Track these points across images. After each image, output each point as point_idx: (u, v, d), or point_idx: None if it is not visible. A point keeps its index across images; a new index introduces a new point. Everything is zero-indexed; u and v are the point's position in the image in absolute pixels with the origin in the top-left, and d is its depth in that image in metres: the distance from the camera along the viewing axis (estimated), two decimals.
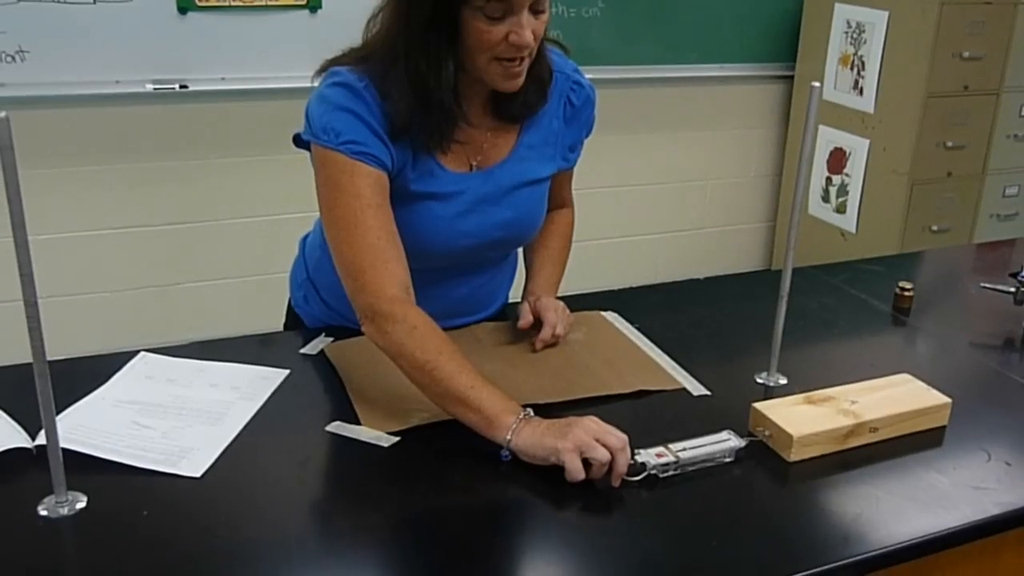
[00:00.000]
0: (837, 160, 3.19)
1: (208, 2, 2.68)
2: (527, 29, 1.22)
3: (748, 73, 3.34)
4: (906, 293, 1.66)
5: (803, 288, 1.74)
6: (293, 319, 1.59)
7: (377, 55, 1.27)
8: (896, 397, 1.29)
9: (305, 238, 1.59)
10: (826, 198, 3.25)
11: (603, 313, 1.57)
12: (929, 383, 1.32)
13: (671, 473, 1.14)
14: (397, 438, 1.21)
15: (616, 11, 3.06)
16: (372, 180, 1.27)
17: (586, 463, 1.10)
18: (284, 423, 1.25)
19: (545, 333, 1.42)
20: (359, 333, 1.46)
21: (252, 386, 1.32)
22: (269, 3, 2.73)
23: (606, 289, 1.69)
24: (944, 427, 1.28)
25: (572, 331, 1.48)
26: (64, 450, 1.13)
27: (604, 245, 3.45)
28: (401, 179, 1.33)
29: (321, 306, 1.52)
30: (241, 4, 2.71)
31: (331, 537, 1.05)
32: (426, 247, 1.38)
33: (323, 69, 1.31)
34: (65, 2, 2.56)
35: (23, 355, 1.36)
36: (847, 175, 3.17)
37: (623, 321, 1.55)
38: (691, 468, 1.15)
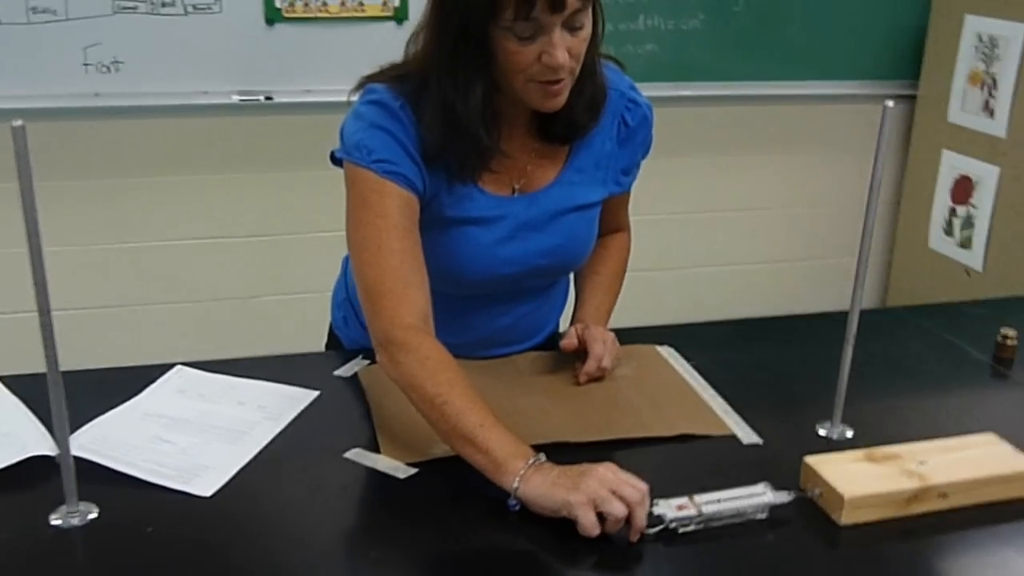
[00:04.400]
0: (963, 189, 3.06)
1: (295, 13, 2.77)
2: (559, 49, 1.20)
3: (865, 91, 3.23)
4: (1008, 342, 1.57)
5: (890, 331, 1.69)
6: (333, 340, 1.62)
7: (413, 75, 1.29)
8: (975, 459, 1.21)
9: (347, 257, 1.62)
10: (949, 231, 3.12)
11: (658, 348, 1.55)
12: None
13: (692, 528, 1.10)
14: (414, 470, 1.22)
15: (719, 23, 3.02)
16: (401, 201, 1.28)
17: (601, 515, 1.07)
18: (304, 446, 1.28)
19: (590, 366, 1.41)
20: None
21: (279, 406, 1.36)
22: (356, 15, 2.81)
23: (673, 323, 1.66)
24: None
25: (620, 365, 1.47)
26: (84, 460, 1.20)
27: (701, 274, 3.41)
28: (436, 204, 1.34)
29: (359, 329, 1.55)
30: (327, 16, 2.80)
31: (327, 571, 1.06)
32: (465, 274, 1.38)
33: (360, 86, 1.33)
34: (158, 14, 2.69)
35: (82, 362, 1.43)
36: (973, 206, 3.04)
37: (678, 357, 1.53)
38: (717, 524, 1.11)
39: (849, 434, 1.33)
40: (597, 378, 1.43)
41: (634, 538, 1.08)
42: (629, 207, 1.61)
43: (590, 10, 1.24)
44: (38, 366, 1.47)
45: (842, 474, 1.16)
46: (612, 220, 1.57)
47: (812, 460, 1.19)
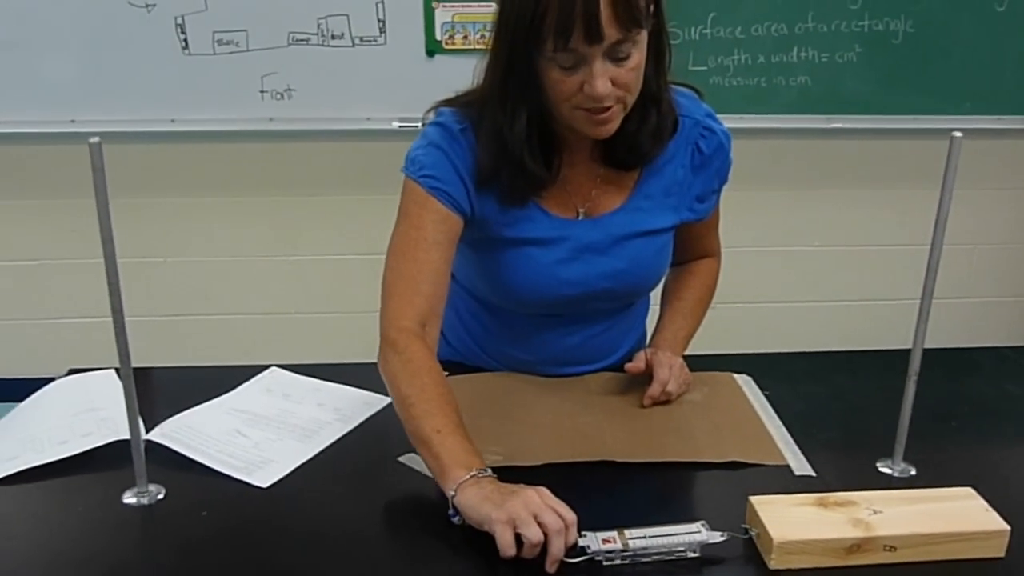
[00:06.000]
0: None
1: (454, 45, 2.88)
2: (599, 79, 1.20)
3: None
4: None
5: (991, 371, 1.60)
6: None
7: (476, 101, 1.33)
8: (936, 513, 1.11)
9: None
10: None
11: (735, 375, 1.52)
12: None
13: (618, 562, 1.07)
14: None
15: (875, 55, 2.92)
16: (439, 217, 1.32)
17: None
18: (364, 448, 1.34)
19: (653, 390, 1.40)
20: (478, 371, 1.54)
21: (352, 409, 1.42)
22: None
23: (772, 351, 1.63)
24: (999, 559, 1.09)
25: (691, 391, 1.45)
26: (164, 446, 1.30)
27: (848, 307, 3.34)
28: (494, 225, 1.37)
29: (442, 342, 1.60)
30: (485, 47, 2.88)
31: (349, 566, 1.10)
32: (526, 294, 1.41)
33: (432, 108, 1.39)
34: (328, 45, 2.87)
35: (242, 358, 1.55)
36: None
37: (753, 386, 1.50)
38: (644, 560, 1.07)
39: (912, 472, 1.27)
40: (663, 402, 1.42)
41: (549, 568, 1.04)
42: (720, 233, 1.59)
43: (641, 40, 1.22)
44: (180, 360, 1.62)
45: (781, 516, 1.09)
46: (698, 246, 1.56)
47: (756, 500, 1.12)
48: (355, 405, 1.44)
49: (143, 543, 1.15)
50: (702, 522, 1.10)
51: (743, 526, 1.12)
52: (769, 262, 3.25)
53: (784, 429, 1.37)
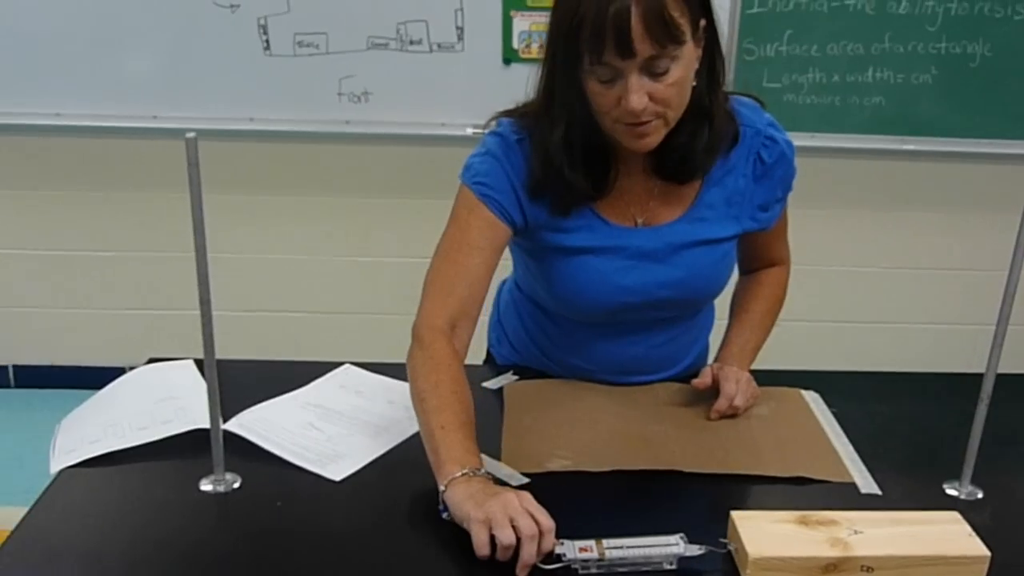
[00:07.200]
0: None
1: (530, 54, 2.89)
2: (635, 94, 1.20)
3: None
4: None
5: None
6: (490, 357, 1.70)
7: (532, 112, 1.34)
8: (918, 536, 1.09)
9: (504, 282, 1.69)
10: None
11: (803, 392, 1.52)
12: None
13: (593, 571, 1.07)
14: (526, 480, 1.26)
15: (952, 77, 2.87)
16: (486, 224, 1.34)
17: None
18: None
19: (720, 404, 1.41)
20: (544, 376, 1.55)
21: None
22: None
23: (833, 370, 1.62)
24: None
25: (758, 405, 1.45)
26: (240, 437, 1.33)
27: (914, 329, 3.31)
28: (548, 234, 1.39)
29: (509, 348, 1.62)
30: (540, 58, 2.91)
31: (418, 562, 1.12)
32: (584, 301, 1.42)
33: (493, 118, 1.41)
34: (406, 50, 2.90)
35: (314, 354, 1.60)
36: None
37: (820, 403, 1.49)
38: (621, 570, 1.07)
39: (979, 495, 1.26)
40: (730, 416, 1.42)
41: (519, 572, 1.05)
42: (789, 242, 1.59)
43: (682, 55, 1.21)
44: (250, 355, 1.65)
45: (760, 533, 1.08)
46: (765, 254, 1.57)
47: (737, 515, 1.11)
48: None
49: (218, 529, 1.18)
50: (680, 535, 1.10)
51: (722, 540, 1.11)
52: (838, 281, 3.22)
53: (851, 447, 1.37)
